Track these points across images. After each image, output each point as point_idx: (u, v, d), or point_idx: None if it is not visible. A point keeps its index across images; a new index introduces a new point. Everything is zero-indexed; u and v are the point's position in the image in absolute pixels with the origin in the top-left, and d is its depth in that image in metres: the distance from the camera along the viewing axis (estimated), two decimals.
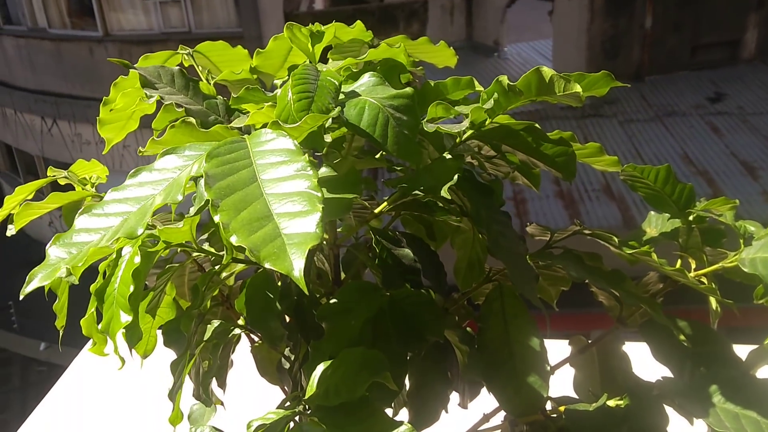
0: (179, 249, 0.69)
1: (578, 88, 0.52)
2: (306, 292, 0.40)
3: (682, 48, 6.13)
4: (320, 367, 0.55)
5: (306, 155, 0.47)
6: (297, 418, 0.52)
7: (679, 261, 0.78)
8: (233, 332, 0.77)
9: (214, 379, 0.79)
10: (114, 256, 0.58)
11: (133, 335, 0.56)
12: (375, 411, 0.52)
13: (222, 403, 0.88)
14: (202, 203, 0.54)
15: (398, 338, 0.62)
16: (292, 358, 0.76)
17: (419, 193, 0.68)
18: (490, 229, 0.61)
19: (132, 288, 0.54)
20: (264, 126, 0.53)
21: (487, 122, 0.60)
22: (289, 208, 0.43)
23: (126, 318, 0.53)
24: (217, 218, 0.43)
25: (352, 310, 0.62)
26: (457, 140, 0.62)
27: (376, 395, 0.56)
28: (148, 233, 0.59)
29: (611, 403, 0.66)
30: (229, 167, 0.47)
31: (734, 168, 5.27)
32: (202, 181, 0.55)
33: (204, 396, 0.73)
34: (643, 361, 0.83)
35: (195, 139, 0.55)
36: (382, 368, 0.53)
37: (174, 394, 0.69)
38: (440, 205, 0.73)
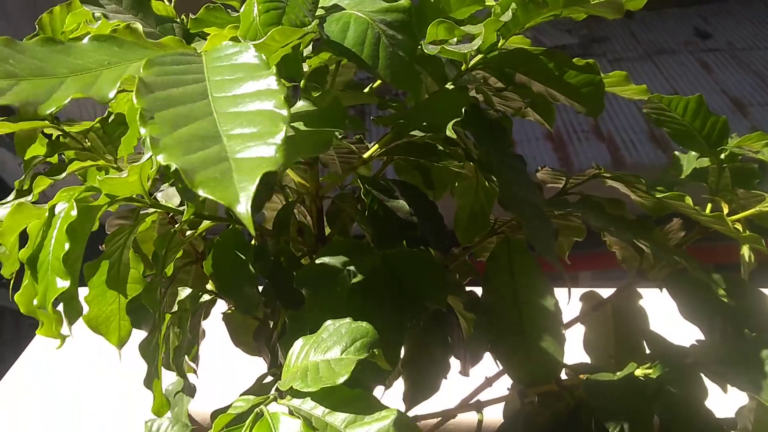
0: (142, 207, 0.59)
1: None
2: (252, 232, 0.29)
3: None
4: (297, 344, 0.45)
5: (273, 69, 0.36)
6: (269, 406, 0.43)
7: (709, 205, 0.69)
8: (203, 299, 0.68)
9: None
10: (47, 215, 0.47)
11: (72, 308, 0.46)
12: (362, 393, 0.43)
13: (195, 371, 0.79)
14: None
15: (393, 306, 0.53)
16: (271, 325, 0.66)
17: (417, 133, 0.58)
18: (501, 175, 0.51)
19: (68, 247, 0.43)
20: None
21: (500, 43, 0.49)
22: (245, 129, 0.32)
23: (62, 284, 0.43)
24: (144, 131, 0.31)
25: (338, 275, 0.52)
26: (463, 67, 0.51)
27: (367, 372, 0.47)
28: (88, 185, 0.48)
29: (639, 372, 0.57)
30: (173, 78, 0.36)
31: (724, 105, 5.19)
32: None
33: (176, 371, 0.64)
34: (658, 320, 0.75)
35: None
36: (373, 345, 0.44)
37: (151, 381, 0.59)
38: (440, 148, 0.63)
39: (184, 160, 0.31)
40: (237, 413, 0.43)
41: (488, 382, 0.77)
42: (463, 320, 0.64)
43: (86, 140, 0.67)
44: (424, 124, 0.47)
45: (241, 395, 0.48)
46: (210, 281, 0.68)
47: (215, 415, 0.44)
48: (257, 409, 0.42)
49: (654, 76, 5.48)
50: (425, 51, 0.46)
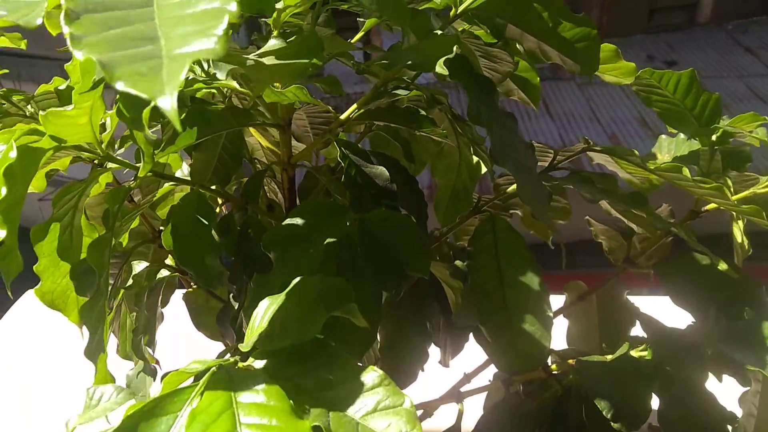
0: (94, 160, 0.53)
1: None
2: (178, 127, 0.24)
3: (640, 11, 6.11)
4: (263, 304, 0.40)
5: None
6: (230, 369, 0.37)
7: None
8: (161, 275, 0.62)
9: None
10: None
11: (11, 262, 0.40)
12: (335, 353, 0.38)
13: (157, 362, 0.72)
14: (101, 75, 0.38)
15: (371, 274, 0.48)
16: (237, 307, 0.61)
17: (401, 92, 0.54)
18: (493, 133, 0.46)
19: (4, 191, 0.38)
20: None
21: None
22: (186, 29, 0.27)
23: None
24: (66, 30, 0.26)
25: (310, 236, 0.47)
26: (452, 13, 0.47)
27: (341, 344, 0.42)
28: (31, 128, 0.43)
29: (634, 354, 0.53)
30: None
31: None
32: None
33: (132, 356, 0.58)
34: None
35: None
36: (345, 299, 0.39)
37: (94, 351, 0.52)
38: (423, 113, 0.59)
39: (108, 55, 0.26)
40: (192, 374, 0.37)
41: (467, 378, 0.72)
42: (450, 291, 0.59)
43: (28, 107, 0.61)
44: (410, 62, 0.43)
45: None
46: (169, 256, 0.62)
47: (165, 377, 0.38)
48: (214, 368, 0.36)
49: (621, 101, 5.58)
50: None
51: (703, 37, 5.90)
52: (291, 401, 0.33)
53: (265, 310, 0.40)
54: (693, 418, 0.50)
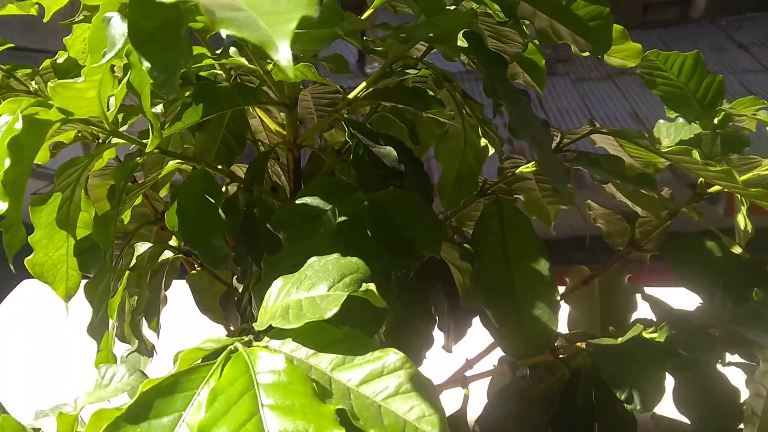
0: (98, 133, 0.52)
1: None
2: (291, 76, 0.23)
3: (634, 6, 6.12)
4: (276, 284, 0.39)
5: None
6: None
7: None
8: (164, 257, 0.61)
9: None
10: None
11: (14, 236, 0.39)
12: (352, 334, 0.37)
13: (153, 347, 0.72)
14: (117, 44, 0.37)
15: (382, 253, 0.47)
16: (241, 289, 0.60)
17: (410, 71, 0.53)
18: (510, 108, 0.46)
19: (7, 163, 0.37)
20: None
21: None
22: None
23: (0, 206, 0.37)
24: None
25: (321, 216, 0.47)
26: None
27: (358, 320, 0.42)
28: (39, 99, 0.42)
29: (645, 335, 0.53)
30: None
31: None
32: (113, 20, 0.39)
33: (131, 338, 0.57)
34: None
35: None
36: (363, 281, 0.38)
37: (96, 329, 0.52)
38: (431, 94, 0.58)
39: None
40: (208, 352, 0.37)
41: (469, 364, 0.72)
42: (457, 273, 0.58)
43: (33, 83, 0.60)
44: (431, 35, 0.42)
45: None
46: (173, 237, 0.61)
47: (178, 355, 0.37)
48: (231, 346, 0.36)
49: (615, 97, 5.59)
50: None
51: (697, 33, 5.91)
52: (312, 383, 0.32)
53: (279, 290, 0.39)
54: (708, 398, 0.50)
